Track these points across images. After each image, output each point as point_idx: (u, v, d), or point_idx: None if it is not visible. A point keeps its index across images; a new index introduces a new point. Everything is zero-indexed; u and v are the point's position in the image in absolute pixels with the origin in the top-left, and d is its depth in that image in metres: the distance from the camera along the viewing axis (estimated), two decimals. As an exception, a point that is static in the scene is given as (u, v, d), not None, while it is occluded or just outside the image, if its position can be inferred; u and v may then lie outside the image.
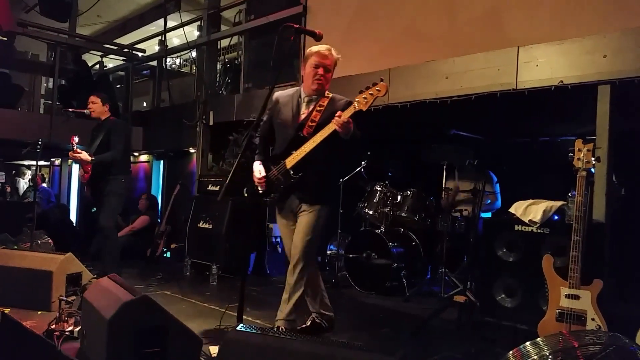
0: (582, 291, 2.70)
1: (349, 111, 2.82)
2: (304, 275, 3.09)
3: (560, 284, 2.77)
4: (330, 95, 3.11)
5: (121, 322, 2.46)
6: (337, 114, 2.83)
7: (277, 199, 3.17)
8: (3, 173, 11.34)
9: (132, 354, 2.47)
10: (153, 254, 6.27)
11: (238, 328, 2.06)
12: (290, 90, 3.24)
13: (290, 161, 3.02)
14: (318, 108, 3.06)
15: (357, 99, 2.80)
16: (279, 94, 3.24)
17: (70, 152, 4.55)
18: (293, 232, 3.15)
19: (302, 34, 2.54)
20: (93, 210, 5.15)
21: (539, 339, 1.70)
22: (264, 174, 3.12)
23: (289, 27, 2.47)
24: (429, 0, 4.47)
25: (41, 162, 10.52)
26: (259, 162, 3.20)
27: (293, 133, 3.04)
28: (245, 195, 3.30)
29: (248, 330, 2.03)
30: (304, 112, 3.09)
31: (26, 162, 10.43)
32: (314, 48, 3.04)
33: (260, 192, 3.17)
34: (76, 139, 4.51)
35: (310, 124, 3.02)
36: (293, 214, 3.16)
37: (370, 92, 2.79)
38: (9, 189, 9.69)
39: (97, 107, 4.74)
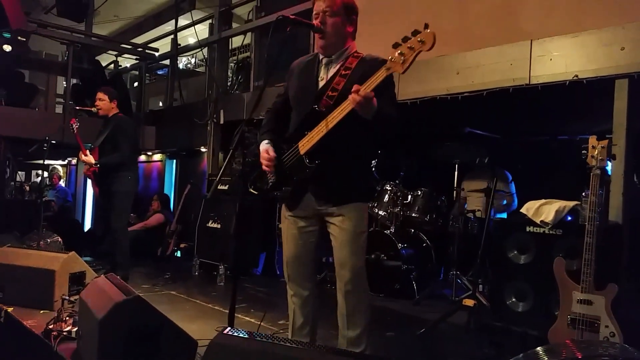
0: (596, 296, 2.55)
1: (378, 77, 2.07)
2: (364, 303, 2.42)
3: (572, 288, 2.62)
4: (362, 54, 2.36)
5: (113, 322, 2.41)
6: (354, 88, 2.06)
7: (289, 195, 2.40)
8: (23, 172, 11.51)
9: (124, 355, 2.42)
10: (163, 253, 6.27)
11: (225, 331, 1.97)
12: (309, 55, 2.55)
13: (305, 145, 2.27)
14: (343, 72, 2.31)
15: (391, 57, 2.02)
16: (297, 61, 2.58)
17: (80, 154, 4.62)
18: (304, 234, 2.44)
19: (299, 25, 2.41)
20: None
21: (539, 349, 1.57)
22: (272, 153, 2.38)
23: (284, 19, 2.35)
24: (440, -7, 4.34)
25: (58, 162, 10.65)
26: (266, 141, 2.46)
27: (309, 106, 2.31)
28: (252, 191, 2.84)
29: (235, 333, 1.94)
30: (322, 78, 2.37)
31: (48, 162, 10.55)
32: None
33: (269, 185, 2.46)
34: (77, 122, 4.55)
35: (330, 93, 2.27)
36: (313, 214, 2.40)
37: (409, 45, 1.97)
38: (27, 188, 9.82)
39: (104, 104, 4.75)
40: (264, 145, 2.45)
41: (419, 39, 1.97)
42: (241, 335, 1.94)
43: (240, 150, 3.07)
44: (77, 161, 9.76)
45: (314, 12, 2.35)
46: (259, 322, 3.69)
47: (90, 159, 4.56)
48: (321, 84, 2.37)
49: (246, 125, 2.44)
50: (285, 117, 2.50)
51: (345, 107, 2.14)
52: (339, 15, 2.32)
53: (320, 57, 2.43)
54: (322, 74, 2.40)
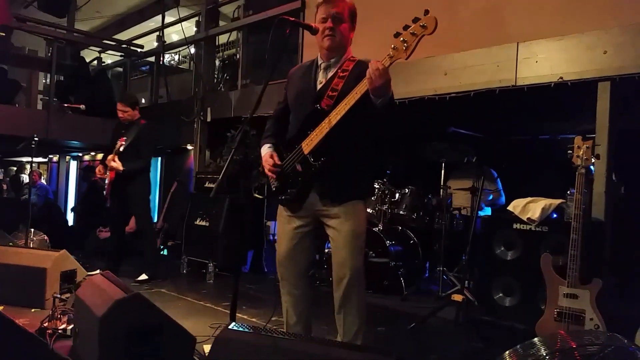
0: (581, 290, 2.66)
1: (383, 64, 2.09)
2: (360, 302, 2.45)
3: (558, 282, 2.73)
4: (357, 58, 2.42)
5: (113, 320, 2.43)
6: (372, 61, 2.08)
7: (292, 197, 2.41)
8: (2, 169, 11.33)
9: (124, 352, 2.44)
10: (150, 251, 6.23)
11: (230, 327, 2.02)
12: (307, 62, 2.61)
13: (308, 144, 2.30)
14: (340, 74, 2.36)
15: (393, 45, 2.03)
16: (294, 68, 2.66)
17: (109, 158, 4.70)
18: (299, 234, 2.47)
19: (298, 27, 2.47)
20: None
21: (536, 339, 1.66)
22: (277, 160, 2.41)
23: (284, 21, 2.40)
24: (428, -5, 4.42)
25: (39, 159, 10.51)
26: (269, 145, 2.52)
27: (310, 108, 2.35)
28: (256, 195, 2.83)
29: (240, 329, 1.99)
30: (321, 82, 2.42)
31: (25, 159, 10.42)
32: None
33: (273, 189, 2.48)
34: (124, 142, 4.70)
35: (330, 93, 2.31)
36: (311, 215, 2.43)
37: (411, 31, 2.00)
38: (5, 186, 9.67)
39: (129, 114, 4.89)
40: (267, 150, 2.50)
41: (421, 24, 2.02)
42: (246, 330, 1.99)
43: (242, 149, 3.09)
44: (59, 158, 9.66)
45: (322, 15, 2.37)
46: (252, 319, 3.75)
47: (119, 165, 4.64)
48: (319, 86, 2.42)
49: (248, 125, 2.43)
50: (286, 123, 2.54)
51: (357, 91, 2.16)
52: (347, 21, 2.39)
53: (319, 62, 2.48)
54: (320, 77, 2.45)
